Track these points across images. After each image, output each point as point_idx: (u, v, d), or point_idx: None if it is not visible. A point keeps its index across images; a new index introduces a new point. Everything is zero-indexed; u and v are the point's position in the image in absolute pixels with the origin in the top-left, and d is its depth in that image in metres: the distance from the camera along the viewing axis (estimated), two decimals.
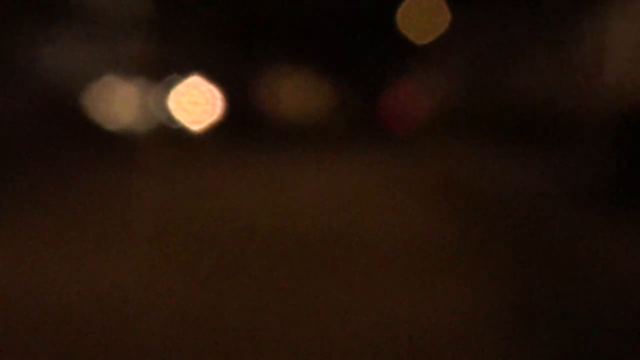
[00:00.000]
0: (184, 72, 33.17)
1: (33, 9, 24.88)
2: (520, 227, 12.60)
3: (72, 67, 28.08)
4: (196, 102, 33.49)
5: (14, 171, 18.66)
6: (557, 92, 24.67)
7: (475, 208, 14.65)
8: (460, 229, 12.35)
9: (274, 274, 9.39)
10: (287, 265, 9.85)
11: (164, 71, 31.70)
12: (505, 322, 7.22)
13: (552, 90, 25.06)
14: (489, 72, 30.13)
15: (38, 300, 7.91)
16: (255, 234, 12.02)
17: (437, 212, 14.01)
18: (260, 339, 6.76)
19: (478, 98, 30.53)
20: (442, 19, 31.60)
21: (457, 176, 20.17)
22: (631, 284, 8.95)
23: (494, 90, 29.34)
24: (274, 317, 7.40)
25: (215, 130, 32.68)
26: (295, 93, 37.55)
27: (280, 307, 7.85)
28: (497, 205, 15.13)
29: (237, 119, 33.41)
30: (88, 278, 8.74)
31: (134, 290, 8.40)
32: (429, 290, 8.28)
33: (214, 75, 34.12)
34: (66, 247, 10.53)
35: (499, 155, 24.09)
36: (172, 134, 30.47)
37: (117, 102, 29.61)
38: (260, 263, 9.98)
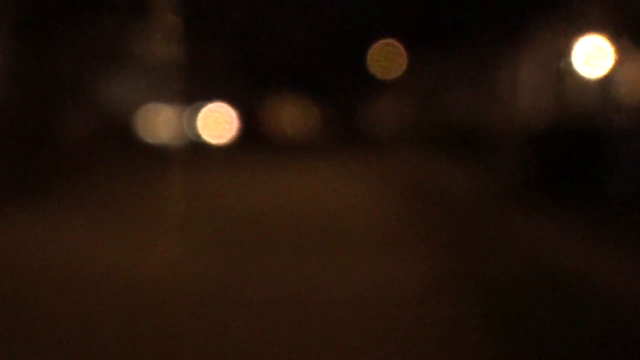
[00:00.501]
0: (208, 99, 33.27)
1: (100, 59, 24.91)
2: (456, 215, 12.70)
3: (128, 99, 28.27)
4: (218, 122, 33.95)
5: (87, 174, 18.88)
6: (484, 115, 24.72)
7: (423, 201, 14.63)
8: (411, 217, 12.32)
9: (274, 248, 9.41)
10: (284, 241, 9.86)
11: (194, 99, 31.69)
12: (446, 286, 7.26)
13: (481, 114, 25.09)
14: (434, 100, 30.00)
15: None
16: (260, 217, 11.93)
17: (399, 205, 14.02)
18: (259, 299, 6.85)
19: (427, 119, 30.48)
20: (401, 62, 31.42)
21: (411, 177, 19.89)
22: (534, 255, 9.23)
23: (438, 114, 29.28)
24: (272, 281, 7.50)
25: (232, 144, 32.85)
26: (292, 115, 37.24)
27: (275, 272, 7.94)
28: (440, 199, 15.09)
29: (248, 135, 33.86)
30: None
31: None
32: (386, 264, 8.27)
33: (231, 102, 34.20)
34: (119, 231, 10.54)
35: (442, 162, 23.81)
36: (199, 147, 30.63)
37: (160, 123, 29.93)
38: (263, 238, 9.99)
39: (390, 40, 30.94)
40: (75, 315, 6.21)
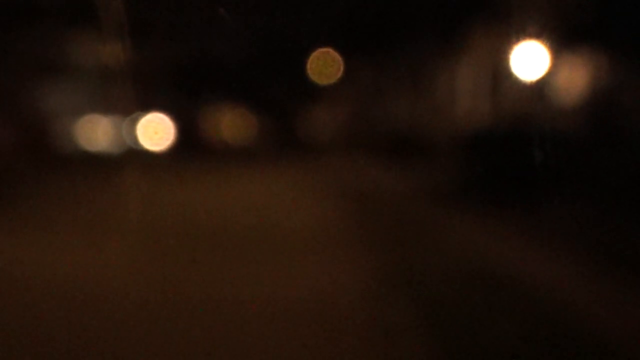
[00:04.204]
0: (146, 109, 33.19)
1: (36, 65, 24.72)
2: (391, 218, 12.98)
3: (67, 109, 28.12)
4: (156, 131, 33.82)
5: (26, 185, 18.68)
6: (421, 120, 24.90)
7: (360, 204, 14.79)
8: (351, 220, 12.57)
9: (220, 252, 9.59)
10: (225, 246, 10.03)
11: (132, 109, 31.70)
12: (381, 287, 7.46)
13: (417, 119, 25.26)
14: (372, 106, 30.24)
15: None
16: (199, 225, 12.03)
17: (336, 209, 14.21)
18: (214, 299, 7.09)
19: (364, 125, 30.69)
20: (339, 69, 31.56)
21: (349, 182, 20.06)
22: (466, 254, 9.58)
23: (375, 119, 29.58)
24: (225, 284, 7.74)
25: (170, 151, 33.01)
26: (230, 123, 37.25)
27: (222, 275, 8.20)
28: (376, 203, 15.29)
29: (186, 143, 33.82)
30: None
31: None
32: (326, 265, 8.51)
33: (168, 111, 34.17)
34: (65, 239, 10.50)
35: (379, 167, 23.98)
36: (138, 154, 30.75)
37: (99, 132, 29.81)
38: (209, 246, 10.11)
39: (327, 49, 31.09)
40: (15, 319, 6.16)
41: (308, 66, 32.11)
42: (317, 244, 10.01)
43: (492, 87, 19.50)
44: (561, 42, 16.44)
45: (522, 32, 17.55)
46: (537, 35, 17.03)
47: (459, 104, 21.75)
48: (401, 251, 9.52)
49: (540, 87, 17.37)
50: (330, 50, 30.87)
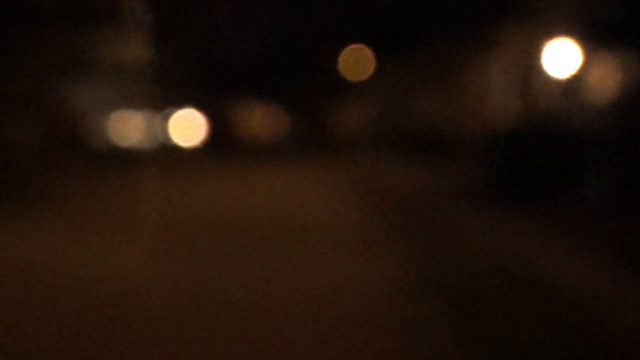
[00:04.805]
0: (178, 106, 33.54)
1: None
2: (425, 216, 12.78)
3: (99, 105, 28.45)
4: (187, 127, 34.09)
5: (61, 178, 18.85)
6: (453, 118, 24.85)
7: (391, 202, 14.66)
8: (382, 218, 12.39)
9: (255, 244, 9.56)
10: (258, 237, 9.97)
11: (164, 106, 32.05)
12: (412, 286, 7.27)
13: (450, 116, 25.21)
14: (404, 103, 30.12)
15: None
16: (227, 218, 11.97)
17: (362, 206, 14.08)
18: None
19: (396, 122, 30.55)
20: (370, 66, 31.52)
21: (379, 179, 19.94)
22: (496, 252, 9.52)
23: (407, 116, 29.37)
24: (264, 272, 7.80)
25: (201, 147, 33.28)
26: (260, 119, 37.35)
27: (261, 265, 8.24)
28: (410, 200, 15.16)
29: (217, 139, 34.03)
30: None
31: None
32: (352, 264, 8.25)
33: (200, 108, 34.45)
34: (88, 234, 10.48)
35: (411, 164, 23.88)
36: (170, 150, 31.03)
37: (132, 128, 30.13)
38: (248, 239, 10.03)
39: (359, 45, 31.08)
40: (39, 316, 6.26)
41: (339, 63, 32.19)
42: (348, 241, 9.87)
43: (526, 83, 19.47)
44: (593, 40, 16.37)
45: (553, 29, 17.50)
46: (569, 33, 16.99)
47: (493, 101, 21.71)
48: (432, 250, 9.38)
49: (575, 84, 17.33)
50: (362, 47, 30.86)
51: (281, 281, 7.47)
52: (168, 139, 32.95)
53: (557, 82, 17.85)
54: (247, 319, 6.08)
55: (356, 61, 31.70)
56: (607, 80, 16.58)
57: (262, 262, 8.47)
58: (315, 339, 5.61)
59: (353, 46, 31.41)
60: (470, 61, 23.57)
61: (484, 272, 7.93)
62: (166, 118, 33.21)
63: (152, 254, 8.82)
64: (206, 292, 7.08)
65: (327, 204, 14.31)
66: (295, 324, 5.95)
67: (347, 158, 27.73)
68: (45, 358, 5.24)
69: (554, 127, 15.83)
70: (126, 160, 24.60)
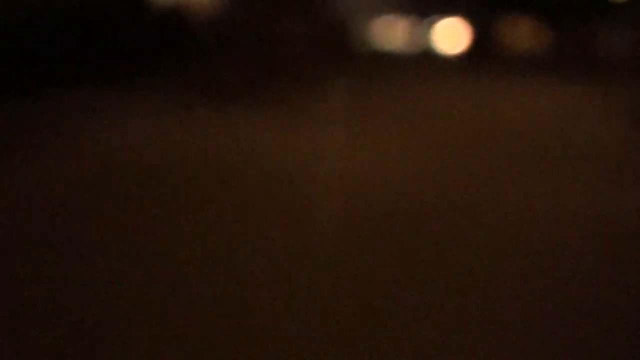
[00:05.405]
0: (443, 14, 34.12)
1: None
2: None
3: (365, 8, 29.00)
4: (451, 36, 34.76)
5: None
6: None
7: None
8: None
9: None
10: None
11: (429, 13, 32.61)
12: None
13: None
14: None
15: None
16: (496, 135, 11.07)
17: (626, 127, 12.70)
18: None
19: None
20: None
21: None
22: None
23: None
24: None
25: (463, 56, 33.65)
26: (523, 35, 37.13)
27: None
28: None
29: (478, 50, 34.37)
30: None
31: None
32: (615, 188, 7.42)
33: (464, 18, 34.81)
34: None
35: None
36: (431, 58, 31.71)
37: (396, 33, 30.94)
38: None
39: None
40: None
41: None
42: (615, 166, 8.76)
43: None
44: None
45: None
46: None
47: None
48: None
49: None
50: None
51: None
52: (431, 46, 33.73)
53: None
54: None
55: None
56: None
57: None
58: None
59: None
60: None
61: None
62: (431, 26, 33.93)
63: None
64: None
65: (587, 125, 12.82)
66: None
67: (612, 79, 25.05)
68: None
69: None
70: (389, 63, 25.31)
